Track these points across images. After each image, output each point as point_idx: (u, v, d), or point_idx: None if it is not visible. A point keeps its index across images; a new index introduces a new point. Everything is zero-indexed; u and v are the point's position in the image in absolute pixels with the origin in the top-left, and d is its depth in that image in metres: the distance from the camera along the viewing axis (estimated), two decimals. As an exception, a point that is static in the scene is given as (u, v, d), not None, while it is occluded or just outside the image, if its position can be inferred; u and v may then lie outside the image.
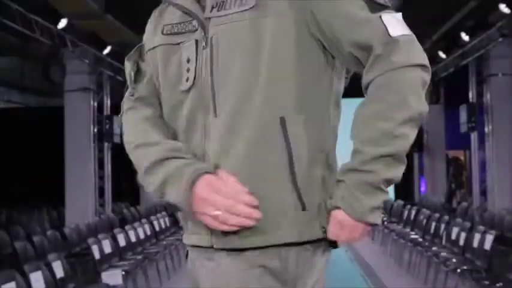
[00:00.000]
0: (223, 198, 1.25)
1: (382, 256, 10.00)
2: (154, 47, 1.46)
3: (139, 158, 1.39)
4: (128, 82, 1.52)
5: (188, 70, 1.37)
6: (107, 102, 11.42)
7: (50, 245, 7.62)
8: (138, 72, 1.50)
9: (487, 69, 10.83)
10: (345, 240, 1.32)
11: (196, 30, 1.37)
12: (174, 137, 1.42)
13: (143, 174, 1.37)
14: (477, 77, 11.19)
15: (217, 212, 1.25)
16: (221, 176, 1.28)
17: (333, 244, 1.39)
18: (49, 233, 8.17)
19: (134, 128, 1.45)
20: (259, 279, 1.28)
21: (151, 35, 1.48)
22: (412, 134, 1.29)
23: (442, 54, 11.62)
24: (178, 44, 1.40)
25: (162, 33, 1.43)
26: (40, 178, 15.00)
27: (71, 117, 10.63)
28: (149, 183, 1.36)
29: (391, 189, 11.55)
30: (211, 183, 1.27)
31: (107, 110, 11.26)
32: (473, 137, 11.32)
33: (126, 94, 1.53)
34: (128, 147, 1.43)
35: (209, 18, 1.36)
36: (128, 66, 1.50)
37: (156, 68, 1.46)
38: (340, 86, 1.45)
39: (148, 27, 1.51)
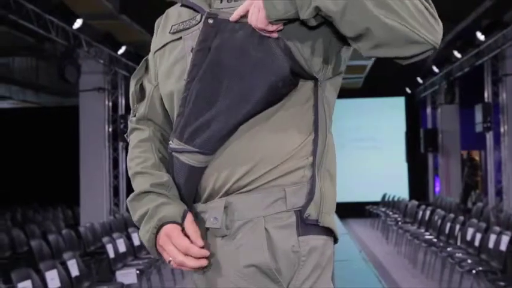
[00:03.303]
0: (177, 252, 1.33)
1: (397, 257, 9.97)
2: (162, 46, 1.47)
3: (134, 187, 1.48)
4: (131, 103, 1.57)
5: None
6: (122, 101, 11.47)
7: (65, 244, 7.67)
8: (141, 91, 1.54)
9: (502, 68, 10.75)
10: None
11: (199, 22, 1.38)
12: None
13: (130, 201, 1.46)
14: (492, 76, 11.12)
15: (170, 259, 1.34)
16: (185, 225, 1.35)
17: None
18: (64, 232, 8.23)
19: (133, 152, 1.51)
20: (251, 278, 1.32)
21: (160, 38, 1.50)
22: None
23: (457, 54, 11.55)
24: (180, 38, 1.42)
25: (170, 33, 1.46)
26: (55, 177, 15.11)
27: (85, 116, 10.70)
28: (133, 213, 1.45)
29: (405, 189, 11.55)
30: (170, 234, 1.35)
31: (121, 110, 11.31)
32: (489, 137, 11.25)
33: (130, 115, 1.58)
34: (129, 173, 1.50)
35: (219, 9, 1.36)
36: (132, 86, 1.55)
37: (160, 66, 1.48)
38: None
39: (156, 32, 1.54)
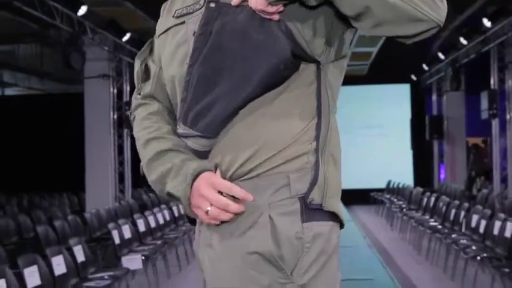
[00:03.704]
0: (219, 195, 1.29)
1: (401, 243, 9.99)
2: (166, 30, 1.48)
3: (145, 153, 1.44)
4: (135, 81, 1.56)
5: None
6: (126, 88, 11.48)
7: (71, 230, 7.72)
8: (145, 71, 1.53)
9: (508, 55, 10.70)
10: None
11: (202, 7, 1.38)
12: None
13: (146, 163, 1.42)
14: (498, 63, 11.07)
15: (209, 208, 1.29)
16: (219, 174, 1.33)
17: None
18: (70, 218, 8.27)
19: (141, 124, 1.49)
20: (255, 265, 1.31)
21: (164, 22, 1.50)
22: None
23: (463, 41, 11.50)
24: (184, 22, 1.42)
25: (173, 17, 1.46)
26: (61, 164, 15.15)
27: (90, 103, 10.71)
28: (151, 173, 1.41)
29: (410, 176, 11.57)
30: (210, 178, 1.31)
31: (126, 97, 11.32)
32: (494, 124, 11.22)
33: (134, 93, 1.57)
34: (137, 144, 1.47)
35: None
36: (137, 65, 1.55)
37: (163, 50, 1.48)
38: None
39: (162, 15, 1.54)
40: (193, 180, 1.32)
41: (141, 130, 1.48)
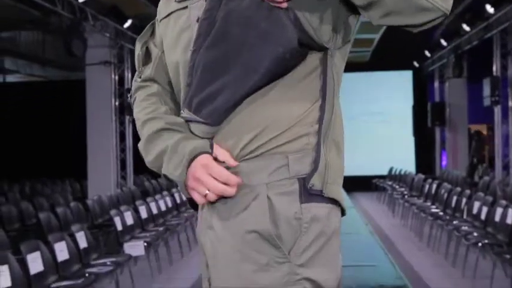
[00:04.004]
0: (215, 181, 1.30)
1: (403, 230, 10.01)
2: (168, 15, 1.47)
3: (143, 134, 1.44)
4: (136, 64, 1.55)
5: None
6: (128, 75, 11.46)
7: (73, 217, 7.74)
8: (146, 54, 1.53)
9: (511, 42, 10.66)
10: None
11: None
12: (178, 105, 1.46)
13: (143, 143, 1.42)
14: (501, 50, 11.02)
15: (207, 192, 1.30)
16: (216, 155, 1.32)
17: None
18: (72, 204, 8.29)
19: (140, 105, 1.49)
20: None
21: (166, 6, 1.49)
22: None
23: (466, 27, 11.45)
24: (186, 7, 1.41)
25: (175, 1, 1.45)
26: (63, 151, 15.17)
27: (92, 90, 10.70)
28: (147, 154, 1.41)
29: (412, 163, 11.53)
30: (207, 164, 1.31)
31: (127, 83, 11.30)
32: (497, 110, 11.20)
33: (135, 76, 1.57)
34: (137, 124, 1.47)
35: None
36: (138, 48, 1.54)
37: (165, 35, 1.47)
38: None
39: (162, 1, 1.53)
40: (190, 162, 1.32)
41: (140, 111, 1.48)
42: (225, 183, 1.30)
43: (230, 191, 1.30)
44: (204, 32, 1.33)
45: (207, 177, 1.30)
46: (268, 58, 1.28)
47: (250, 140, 1.32)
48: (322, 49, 1.33)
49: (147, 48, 1.53)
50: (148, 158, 1.41)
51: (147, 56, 1.53)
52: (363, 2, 1.23)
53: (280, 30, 1.28)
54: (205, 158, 1.31)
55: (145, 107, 1.47)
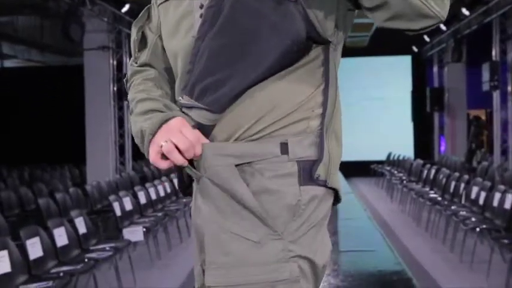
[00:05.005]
0: (185, 137, 1.30)
1: (401, 215, 10.04)
2: None
3: (136, 111, 1.44)
4: (132, 50, 1.56)
5: (201, 16, 1.37)
6: (126, 60, 11.40)
7: (72, 202, 7.75)
8: (142, 39, 1.53)
9: (511, 26, 10.62)
10: None
11: None
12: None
13: (132, 118, 1.43)
14: (501, 35, 10.99)
15: (163, 143, 1.30)
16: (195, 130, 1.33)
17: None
18: (71, 190, 8.30)
19: (136, 88, 1.49)
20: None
21: None
22: None
23: (465, 11, 11.40)
24: None
25: None
26: (62, 137, 15.17)
27: (90, 75, 10.67)
28: (134, 123, 1.41)
29: (410, 149, 11.55)
30: (182, 122, 1.32)
31: (126, 69, 11.21)
32: (495, 96, 11.18)
33: (130, 61, 1.57)
34: (130, 105, 1.48)
35: None
36: (134, 33, 1.54)
37: (165, 20, 1.46)
38: None
39: None
40: (166, 119, 1.33)
41: (134, 93, 1.48)
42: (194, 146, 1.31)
43: (198, 149, 1.31)
44: (210, 19, 1.33)
45: (179, 133, 1.31)
46: (277, 50, 1.30)
47: (251, 125, 1.34)
48: (325, 43, 1.36)
49: (142, 33, 1.53)
50: (133, 130, 1.41)
51: (143, 41, 1.53)
52: (371, 4, 1.26)
53: (289, 23, 1.30)
54: (180, 119, 1.33)
55: (141, 89, 1.47)
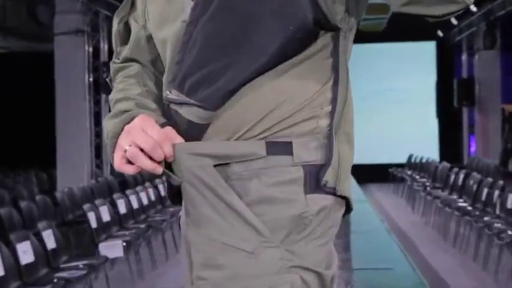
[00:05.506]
0: (148, 136, 1.31)
1: (424, 228, 10.05)
2: None
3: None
4: (114, 43, 1.58)
5: None
6: (104, 46, 11.42)
7: (39, 212, 7.75)
8: (125, 31, 1.55)
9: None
10: None
11: None
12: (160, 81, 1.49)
13: (105, 120, 1.45)
14: (541, 16, 11.01)
15: (127, 147, 1.32)
16: (164, 128, 1.35)
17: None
18: (38, 198, 8.29)
19: (117, 87, 1.52)
20: None
21: None
22: None
23: (499, -10, 11.43)
24: None
25: None
26: (27, 136, 15.16)
27: (62, 64, 10.68)
28: (105, 129, 1.43)
29: (435, 150, 11.51)
30: (145, 120, 1.34)
31: (104, 56, 11.28)
32: (535, 88, 11.20)
33: (113, 57, 1.59)
34: (110, 105, 1.50)
35: None
36: (115, 24, 1.56)
37: (151, 5, 1.48)
38: None
39: None
40: (130, 118, 1.35)
41: (113, 93, 1.51)
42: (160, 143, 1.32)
43: (167, 149, 1.32)
44: (203, 1, 1.34)
45: (138, 131, 1.32)
46: (279, 37, 1.31)
47: (253, 125, 1.35)
48: (334, 29, 1.37)
49: (126, 24, 1.54)
50: (104, 133, 1.44)
51: (126, 33, 1.55)
52: None
53: (294, 7, 1.31)
54: (146, 116, 1.35)
55: (120, 88, 1.50)
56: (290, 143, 1.35)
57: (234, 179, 1.34)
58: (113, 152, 1.36)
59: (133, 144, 1.31)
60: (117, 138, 1.35)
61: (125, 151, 1.32)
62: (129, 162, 1.34)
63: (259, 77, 1.34)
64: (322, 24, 1.34)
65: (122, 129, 1.35)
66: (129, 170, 1.35)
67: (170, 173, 1.35)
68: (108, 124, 1.40)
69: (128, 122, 1.35)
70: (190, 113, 1.35)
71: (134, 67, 1.54)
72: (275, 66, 1.34)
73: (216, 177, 1.32)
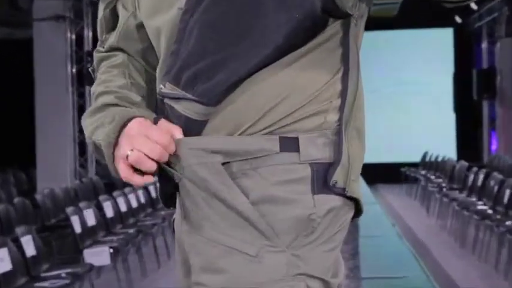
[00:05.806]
0: (152, 142, 1.32)
1: (440, 232, 10.06)
2: None
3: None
4: (99, 31, 1.58)
5: None
6: (88, 34, 11.42)
7: (17, 216, 7.74)
8: (112, 17, 1.55)
9: None
10: None
11: None
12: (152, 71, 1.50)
13: (84, 116, 1.46)
14: None
15: (129, 153, 1.32)
16: (160, 123, 1.36)
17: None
18: (16, 200, 8.28)
19: (99, 78, 1.53)
20: None
21: None
22: None
23: (522, -29, 11.43)
24: None
25: None
26: (4, 131, 15.15)
27: (41, 53, 10.67)
28: (85, 127, 1.45)
29: (452, 147, 11.51)
30: (144, 123, 1.35)
31: (88, 45, 11.28)
32: (562, 79, 11.21)
33: (97, 46, 1.60)
34: (92, 98, 1.51)
35: None
36: (101, 10, 1.56)
37: None
38: None
39: None
40: (125, 123, 1.35)
41: (96, 85, 1.52)
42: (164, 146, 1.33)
43: (171, 149, 1.33)
44: None
45: (142, 138, 1.32)
46: (285, 26, 1.32)
47: (256, 121, 1.35)
48: (344, 17, 1.38)
49: (113, 9, 1.54)
50: (85, 133, 1.44)
51: (112, 20, 1.55)
52: None
53: None
54: (141, 119, 1.36)
55: (103, 80, 1.51)
56: (296, 139, 1.35)
57: (238, 176, 1.34)
58: (113, 163, 1.36)
59: (134, 149, 1.31)
60: (114, 147, 1.35)
61: (127, 157, 1.32)
62: (136, 170, 1.34)
63: (263, 69, 1.34)
64: (332, 11, 1.34)
65: (117, 137, 1.35)
66: (139, 181, 1.35)
67: (172, 170, 1.36)
68: (89, 124, 1.41)
69: (123, 126, 1.35)
70: (187, 109, 1.36)
71: (119, 57, 1.54)
72: (280, 58, 1.34)
73: (221, 175, 1.33)
